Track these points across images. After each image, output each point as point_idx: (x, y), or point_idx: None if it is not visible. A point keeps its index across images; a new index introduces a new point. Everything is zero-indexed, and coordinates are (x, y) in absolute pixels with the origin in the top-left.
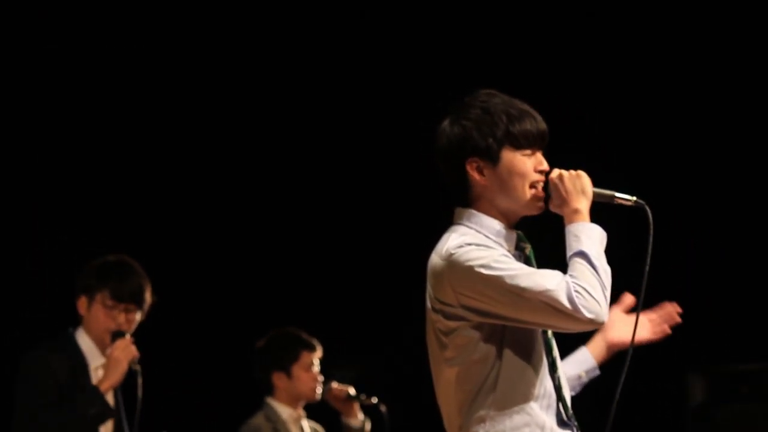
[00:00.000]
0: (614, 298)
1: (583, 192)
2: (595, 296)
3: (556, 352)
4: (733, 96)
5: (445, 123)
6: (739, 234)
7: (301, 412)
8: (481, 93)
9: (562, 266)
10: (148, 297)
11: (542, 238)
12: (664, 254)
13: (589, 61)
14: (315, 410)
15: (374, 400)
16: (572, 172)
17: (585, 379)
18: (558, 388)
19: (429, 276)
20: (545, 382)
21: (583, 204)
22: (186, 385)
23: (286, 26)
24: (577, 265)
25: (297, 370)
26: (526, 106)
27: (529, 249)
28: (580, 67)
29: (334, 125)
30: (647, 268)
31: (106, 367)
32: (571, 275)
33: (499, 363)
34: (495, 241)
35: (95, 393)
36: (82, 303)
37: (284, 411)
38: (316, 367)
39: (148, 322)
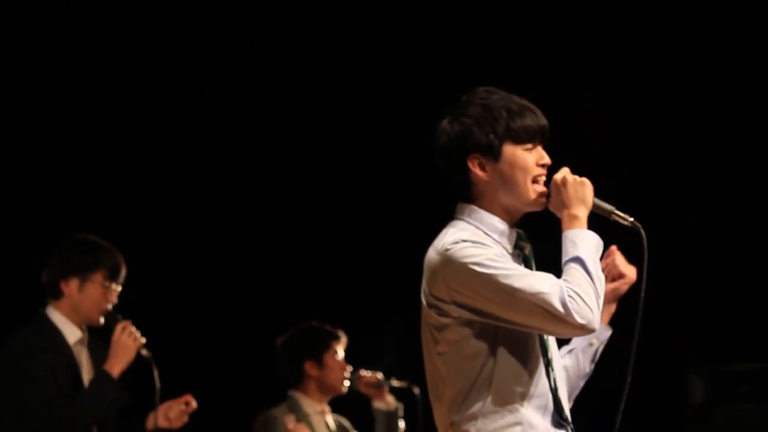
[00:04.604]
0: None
1: (584, 201)
2: (587, 302)
3: (552, 352)
4: (730, 97)
5: (445, 121)
6: (739, 234)
7: (326, 407)
8: (480, 90)
9: (560, 269)
10: None
11: (543, 239)
12: (664, 255)
13: (594, 60)
14: (341, 404)
15: (405, 383)
16: (576, 178)
17: (597, 345)
18: (554, 389)
19: (425, 270)
20: (540, 382)
21: (582, 212)
22: (203, 382)
23: (286, 25)
24: (572, 271)
25: (328, 358)
26: (525, 102)
27: (528, 249)
28: (583, 65)
29: (352, 124)
30: (643, 294)
31: (113, 351)
32: (565, 280)
33: (492, 360)
34: (494, 239)
35: (108, 378)
36: (72, 284)
37: (308, 404)
38: (342, 357)
39: (166, 319)
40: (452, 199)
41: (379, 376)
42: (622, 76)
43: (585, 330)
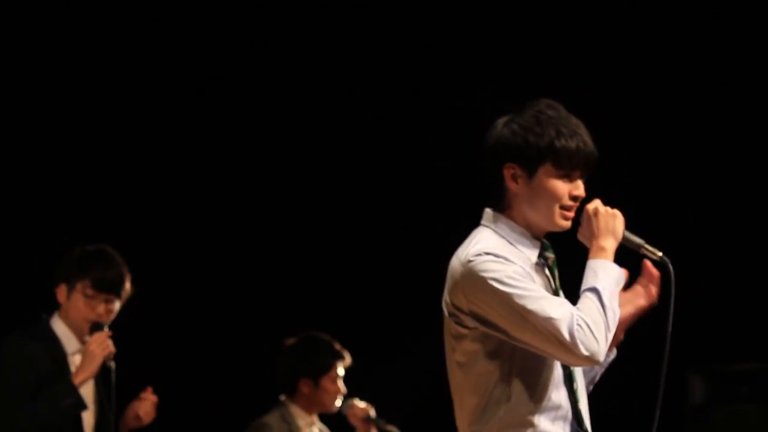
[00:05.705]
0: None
1: (614, 233)
2: (595, 334)
3: None
4: (730, 97)
5: (501, 121)
6: (739, 234)
7: (315, 417)
8: (542, 102)
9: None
10: (128, 287)
11: (568, 252)
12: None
13: (594, 60)
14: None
15: (392, 428)
16: (609, 210)
17: (598, 369)
18: (574, 399)
19: (447, 278)
20: (557, 394)
21: (611, 243)
22: (197, 384)
23: (286, 25)
24: (587, 300)
25: (325, 381)
26: (581, 129)
27: (552, 259)
28: (583, 65)
29: (362, 130)
30: (670, 329)
31: (82, 359)
32: (578, 308)
33: (510, 373)
34: (518, 249)
35: (69, 385)
36: (61, 291)
37: (299, 416)
38: (341, 378)
39: (165, 320)
40: (452, 201)
41: (371, 412)
42: (622, 76)
43: (589, 361)
